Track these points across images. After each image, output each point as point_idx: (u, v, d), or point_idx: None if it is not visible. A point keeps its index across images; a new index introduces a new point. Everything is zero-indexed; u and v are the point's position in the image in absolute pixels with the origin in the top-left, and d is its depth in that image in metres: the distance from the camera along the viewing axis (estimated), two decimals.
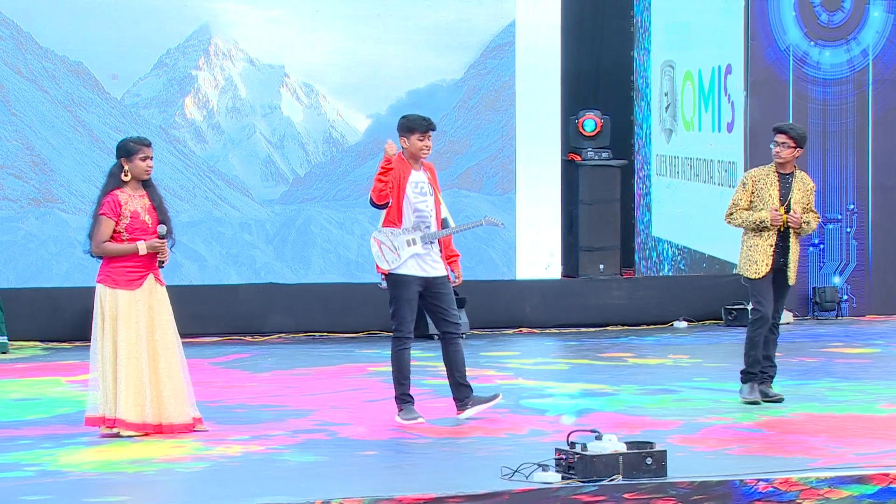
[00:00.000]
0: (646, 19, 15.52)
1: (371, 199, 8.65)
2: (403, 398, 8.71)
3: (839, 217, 15.42)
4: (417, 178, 8.70)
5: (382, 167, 8.59)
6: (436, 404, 9.20)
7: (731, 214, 9.49)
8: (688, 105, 15.07)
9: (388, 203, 8.60)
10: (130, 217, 8.21)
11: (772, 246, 9.36)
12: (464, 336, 13.50)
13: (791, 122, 10.40)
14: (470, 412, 8.71)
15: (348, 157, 14.39)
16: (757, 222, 9.36)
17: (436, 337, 9.46)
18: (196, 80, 14.17)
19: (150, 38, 13.73)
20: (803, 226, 9.38)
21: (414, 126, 8.70)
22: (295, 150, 14.47)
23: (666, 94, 14.98)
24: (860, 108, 15.42)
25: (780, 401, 9.38)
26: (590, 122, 14.64)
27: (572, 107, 14.90)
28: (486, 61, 14.65)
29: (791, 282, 9.42)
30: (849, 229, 15.44)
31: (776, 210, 9.29)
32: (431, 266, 8.65)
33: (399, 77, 14.31)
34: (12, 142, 13.41)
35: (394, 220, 8.62)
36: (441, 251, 8.74)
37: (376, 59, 14.28)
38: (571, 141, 14.75)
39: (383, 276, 8.69)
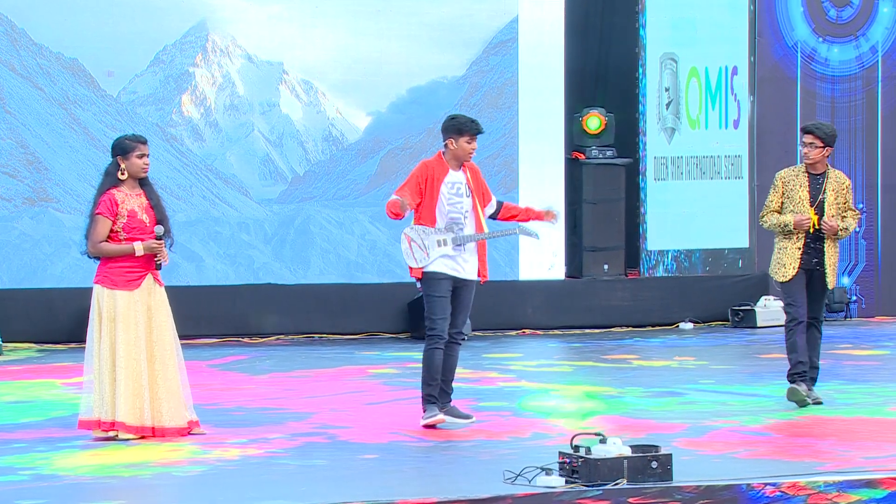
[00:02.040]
0: None
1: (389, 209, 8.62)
2: (429, 398, 8.66)
3: None
4: (454, 178, 8.69)
5: (393, 211, 8.51)
6: None
7: (763, 217, 9.44)
8: (693, 102, 15.06)
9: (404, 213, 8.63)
10: (128, 216, 8.21)
11: (800, 248, 9.27)
12: (465, 338, 13.54)
13: (821, 120, 10.30)
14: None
15: (348, 156, 14.38)
16: (782, 226, 9.29)
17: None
18: (193, 78, 14.17)
19: (146, 35, 13.73)
20: (840, 232, 9.29)
21: (464, 128, 8.70)
22: (294, 149, 14.47)
23: (667, 90, 14.96)
24: (869, 105, 15.42)
25: (819, 403, 9.35)
26: (594, 120, 14.64)
27: (576, 104, 14.88)
28: (488, 58, 14.65)
29: (830, 285, 9.35)
30: (858, 229, 15.44)
31: (803, 215, 9.21)
32: (462, 267, 8.66)
33: (400, 74, 14.30)
34: (6, 140, 13.41)
35: (426, 220, 8.63)
36: (477, 249, 8.72)
37: (377, 56, 14.28)
38: (575, 139, 14.74)
39: (418, 279, 8.69)
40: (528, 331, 14.26)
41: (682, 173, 15.03)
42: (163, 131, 13.94)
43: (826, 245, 9.29)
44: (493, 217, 8.96)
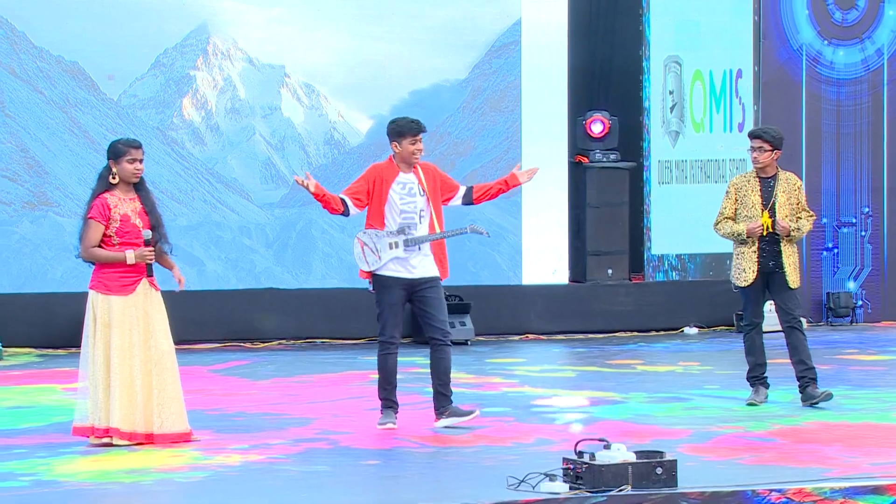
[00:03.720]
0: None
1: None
2: (386, 402, 8.82)
3: (854, 221, 15.41)
4: (405, 179, 8.83)
5: (317, 197, 8.74)
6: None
7: (717, 224, 9.72)
8: (698, 106, 15.06)
9: (346, 210, 8.78)
10: (120, 220, 8.19)
11: (756, 252, 9.54)
12: (468, 343, 13.55)
13: (768, 125, 10.61)
14: (444, 422, 8.76)
15: (350, 159, 14.38)
16: (735, 235, 9.59)
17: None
18: (194, 81, 14.18)
19: (147, 38, 13.74)
20: (793, 233, 9.51)
21: (404, 130, 8.85)
22: (295, 152, 14.48)
23: (671, 93, 14.97)
24: (875, 108, 15.42)
25: (829, 397, 9.50)
26: (597, 124, 14.64)
27: (579, 107, 14.89)
28: (491, 61, 14.65)
29: (792, 285, 9.55)
30: (863, 233, 15.43)
31: (754, 222, 9.47)
32: (414, 268, 8.69)
33: (402, 77, 14.31)
34: (6, 144, 13.43)
35: (376, 222, 8.76)
36: (433, 249, 8.79)
37: (379, 59, 14.29)
38: (579, 142, 14.75)
39: (369, 281, 8.77)
40: (531, 336, 14.26)
41: (686, 177, 15.04)
42: (163, 135, 13.95)
43: (782, 246, 9.52)
44: (468, 203, 9.00)
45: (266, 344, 13.55)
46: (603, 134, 14.64)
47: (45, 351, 12.85)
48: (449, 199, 8.94)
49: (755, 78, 15.10)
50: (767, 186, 9.58)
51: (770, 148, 9.56)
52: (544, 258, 14.61)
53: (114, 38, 13.57)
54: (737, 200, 9.62)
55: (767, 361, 9.83)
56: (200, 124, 14.22)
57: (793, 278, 9.54)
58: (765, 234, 9.52)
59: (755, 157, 9.59)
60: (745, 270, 9.55)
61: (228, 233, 13.99)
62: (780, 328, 9.79)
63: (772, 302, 9.92)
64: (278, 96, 14.42)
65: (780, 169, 9.68)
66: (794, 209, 9.60)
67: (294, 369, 11.84)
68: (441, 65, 14.46)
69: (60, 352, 12.60)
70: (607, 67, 15.55)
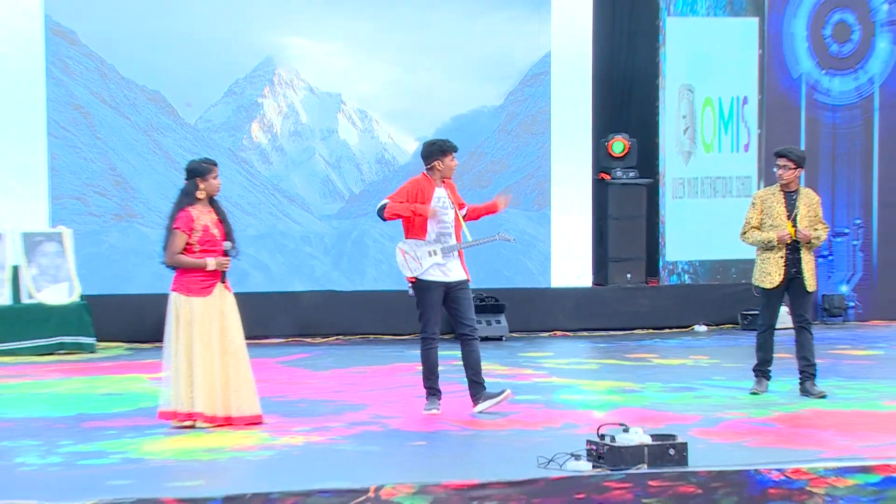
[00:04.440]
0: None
1: (383, 211, 8.83)
2: (430, 391, 8.90)
3: (847, 231, 15.38)
4: (440, 193, 8.91)
5: (415, 213, 8.72)
6: None
7: (745, 233, 9.69)
8: (708, 129, 15.07)
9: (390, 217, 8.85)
10: (202, 231, 8.35)
11: (782, 258, 9.52)
12: (503, 339, 13.61)
13: (792, 145, 10.58)
14: (480, 407, 8.84)
15: (399, 177, 14.45)
16: (765, 242, 9.54)
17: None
18: (262, 107, 14.32)
19: (220, 69, 13.89)
20: (813, 241, 9.50)
21: (447, 149, 8.95)
22: (350, 170, 14.59)
23: (684, 117, 14.98)
24: (866, 131, 15.38)
25: (823, 397, 9.45)
26: (618, 144, 14.68)
27: (602, 130, 14.93)
28: (524, 89, 14.71)
29: (810, 288, 9.53)
30: (855, 242, 15.40)
31: (783, 230, 9.45)
32: (449, 273, 8.80)
33: (445, 103, 14.39)
34: (97, 163, 13.60)
35: (418, 233, 8.85)
36: (458, 256, 8.89)
37: (424, 88, 14.38)
38: (602, 161, 14.79)
39: (410, 285, 8.86)
40: (559, 332, 14.29)
41: (697, 192, 15.04)
42: (235, 155, 14.09)
43: (802, 253, 9.52)
44: (464, 219, 9.09)
45: (325, 339, 13.65)
46: (623, 154, 14.67)
47: (133, 345, 12.99)
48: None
49: (759, 104, 15.10)
50: (791, 199, 9.55)
51: (794, 166, 9.53)
52: (570, 264, 14.66)
53: (191, 70, 13.72)
54: (762, 211, 9.58)
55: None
56: (267, 146, 14.35)
57: (810, 282, 9.52)
58: (789, 241, 9.51)
59: (780, 174, 9.56)
60: (770, 274, 9.50)
61: (292, 241, 14.11)
62: (789, 325, 9.78)
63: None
64: (335, 121, 14.54)
65: (800, 185, 9.66)
66: (812, 221, 9.59)
67: (350, 361, 11.93)
68: (479, 92, 14.53)
69: (146, 346, 12.73)
70: (627, 94, 15.58)
